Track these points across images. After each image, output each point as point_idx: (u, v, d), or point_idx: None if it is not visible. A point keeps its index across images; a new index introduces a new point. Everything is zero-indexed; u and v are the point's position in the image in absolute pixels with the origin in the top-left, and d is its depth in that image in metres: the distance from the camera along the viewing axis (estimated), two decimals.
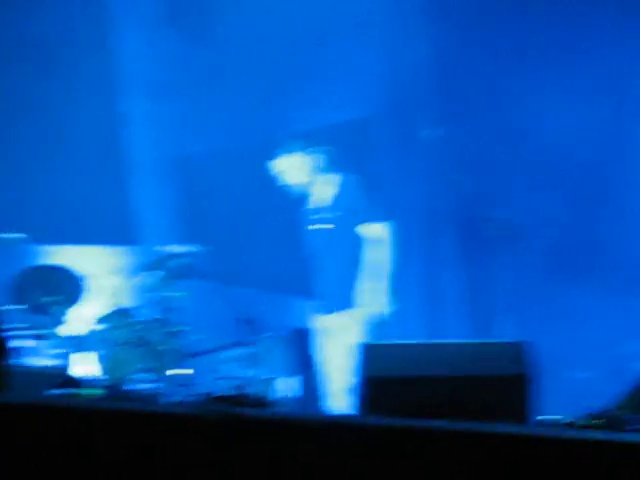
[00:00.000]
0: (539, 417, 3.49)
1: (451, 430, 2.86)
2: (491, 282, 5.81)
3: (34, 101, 8.20)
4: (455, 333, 8.44)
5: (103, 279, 7.99)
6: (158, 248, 7.46)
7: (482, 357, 4.00)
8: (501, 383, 3.87)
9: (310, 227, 6.05)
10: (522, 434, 2.89)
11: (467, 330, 8.59)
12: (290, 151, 6.06)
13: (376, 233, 5.95)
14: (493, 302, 5.75)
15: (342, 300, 5.97)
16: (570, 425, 3.32)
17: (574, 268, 8.07)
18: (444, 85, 7.95)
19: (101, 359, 6.80)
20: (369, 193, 5.99)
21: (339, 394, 5.73)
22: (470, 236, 7.24)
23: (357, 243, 5.97)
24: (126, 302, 7.69)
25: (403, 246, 8.66)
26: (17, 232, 6.95)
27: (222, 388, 3.56)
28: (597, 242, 8.09)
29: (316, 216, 6.04)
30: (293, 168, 6.05)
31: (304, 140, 6.05)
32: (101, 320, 6.99)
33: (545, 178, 7.94)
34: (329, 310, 5.96)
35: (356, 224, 5.96)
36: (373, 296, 5.86)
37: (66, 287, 7.30)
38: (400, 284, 8.72)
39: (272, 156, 6.16)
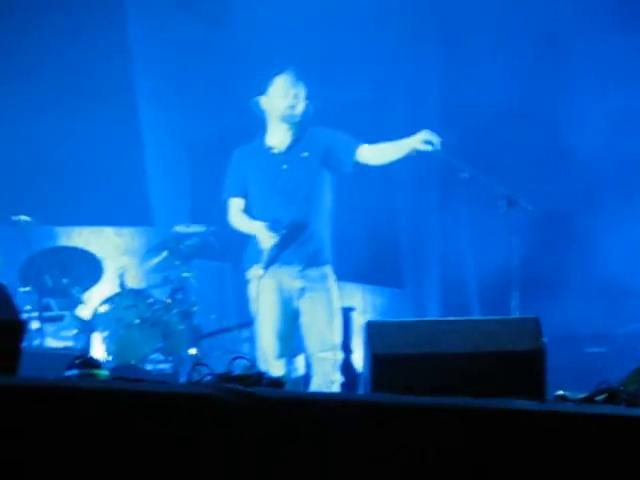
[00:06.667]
0: (556, 393, 3.47)
1: (463, 407, 2.86)
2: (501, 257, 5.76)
3: (51, 82, 8.17)
4: (464, 311, 8.40)
5: (115, 260, 8.01)
6: (168, 229, 7.44)
7: (496, 333, 3.85)
8: (518, 358, 3.76)
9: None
10: (541, 410, 2.88)
11: (476, 309, 8.58)
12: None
13: None
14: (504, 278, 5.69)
15: (315, 255, 5.62)
16: (587, 400, 3.31)
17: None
18: None
19: (115, 339, 6.80)
20: None
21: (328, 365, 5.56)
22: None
23: None
24: (138, 283, 7.72)
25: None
26: (29, 215, 6.92)
27: (236, 368, 3.55)
28: None
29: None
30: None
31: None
32: (114, 300, 6.99)
33: None
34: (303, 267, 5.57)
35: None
36: None
37: (83, 268, 7.30)
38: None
39: None
